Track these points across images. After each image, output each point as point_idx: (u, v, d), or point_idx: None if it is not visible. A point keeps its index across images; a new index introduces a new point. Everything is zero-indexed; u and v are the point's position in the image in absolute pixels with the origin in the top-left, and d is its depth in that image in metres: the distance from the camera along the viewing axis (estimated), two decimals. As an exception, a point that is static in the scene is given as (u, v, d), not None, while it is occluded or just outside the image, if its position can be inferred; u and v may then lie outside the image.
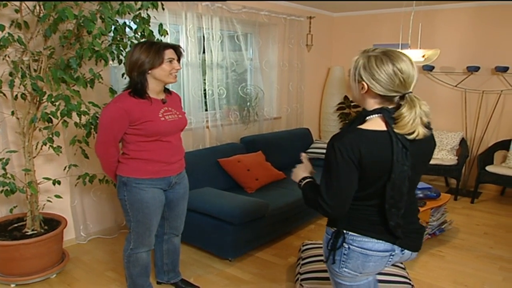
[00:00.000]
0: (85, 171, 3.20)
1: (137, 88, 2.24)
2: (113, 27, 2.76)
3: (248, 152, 4.32)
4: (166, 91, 2.43)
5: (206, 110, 4.51)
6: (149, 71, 2.22)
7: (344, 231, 1.58)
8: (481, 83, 4.95)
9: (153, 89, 2.29)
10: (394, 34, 5.55)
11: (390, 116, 1.46)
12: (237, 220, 3.09)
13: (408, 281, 2.75)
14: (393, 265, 2.85)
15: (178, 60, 2.32)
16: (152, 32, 3.11)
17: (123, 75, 3.16)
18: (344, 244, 1.58)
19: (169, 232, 2.66)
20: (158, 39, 3.11)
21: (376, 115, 1.50)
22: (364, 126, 1.49)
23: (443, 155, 4.99)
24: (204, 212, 3.26)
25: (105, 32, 2.63)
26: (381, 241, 1.56)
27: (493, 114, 4.93)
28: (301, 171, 1.73)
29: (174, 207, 2.57)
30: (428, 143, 1.59)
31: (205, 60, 4.38)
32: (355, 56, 1.54)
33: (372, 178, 1.48)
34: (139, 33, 3.02)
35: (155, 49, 2.19)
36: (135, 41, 2.96)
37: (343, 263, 1.60)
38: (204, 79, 4.43)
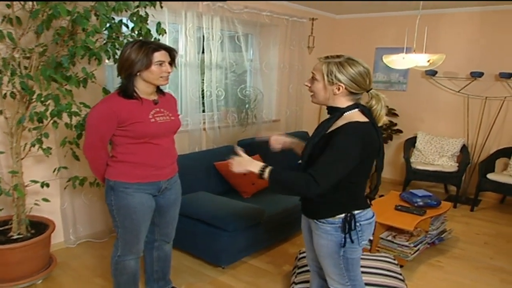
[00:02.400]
0: (75, 173, 3.11)
1: (125, 89, 2.15)
2: (107, 24, 2.67)
3: (249, 155, 4.22)
4: (160, 92, 2.34)
5: (204, 111, 4.42)
6: (138, 73, 2.13)
7: (354, 212, 1.81)
8: (485, 89, 4.86)
9: (143, 90, 2.20)
10: (397, 37, 5.47)
11: (367, 109, 1.81)
12: (231, 227, 3.01)
13: (406, 294, 2.67)
14: (391, 276, 2.77)
15: (172, 62, 2.22)
16: (150, 31, 3.02)
17: (118, 74, 3.07)
18: (356, 223, 1.82)
19: (160, 239, 2.57)
20: (156, 38, 3.02)
21: (355, 110, 1.79)
22: (356, 119, 1.74)
23: (443, 162, 4.90)
24: (197, 218, 3.17)
25: (99, 29, 2.53)
26: (368, 209, 1.89)
27: (495, 121, 4.84)
28: (251, 161, 1.85)
29: (165, 213, 2.47)
30: None
31: (204, 61, 4.29)
32: (320, 63, 1.79)
33: (371, 160, 1.82)
34: (136, 32, 2.93)
35: (144, 51, 2.09)
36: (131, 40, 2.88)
37: (360, 238, 1.85)
38: (203, 80, 4.34)
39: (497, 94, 4.79)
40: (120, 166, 2.23)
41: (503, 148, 4.74)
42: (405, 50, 3.93)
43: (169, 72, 2.20)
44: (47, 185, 2.83)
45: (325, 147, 1.72)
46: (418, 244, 3.39)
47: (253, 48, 5.04)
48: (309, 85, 1.85)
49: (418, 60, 3.43)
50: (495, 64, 4.72)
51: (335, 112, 1.80)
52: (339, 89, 1.75)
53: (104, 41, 2.80)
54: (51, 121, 2.66)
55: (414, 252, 3.32)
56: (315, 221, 1.88)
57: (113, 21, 2.75)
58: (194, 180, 3.66)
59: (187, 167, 3.59)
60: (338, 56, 1.76)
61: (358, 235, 1.83)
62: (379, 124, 1.82)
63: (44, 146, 2.70)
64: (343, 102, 1.79)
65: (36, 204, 2.91)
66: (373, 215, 1.91)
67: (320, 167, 1.68)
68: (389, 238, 3.39)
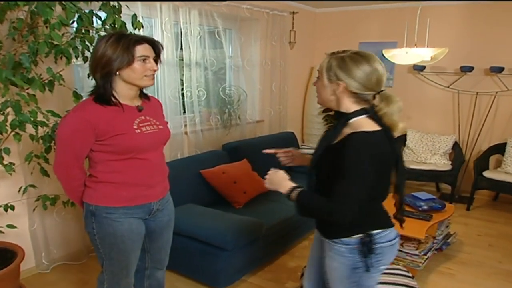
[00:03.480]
0: (45, 191, 2.66)
1: (101, 93, 1.76)
2: (76, 15, 2.24)
3: (232, 160, 3.87)
4: (143, 96, 1.96)
5: (184, 113, 4.03)
6: (117, 72, 1.75)
7: (372, 232, 1.56)
8: (474, 84, 4.71)
9: (124, 94, 1.82)
10: (382, 32, 5.26)
11: (376, 115, 1.53)
12: (229, 245, 2.66)
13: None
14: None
15: (157, 59, 1.85)
16: (125, 24, 2.62)
17: (89, 75, 2.65)
18: (375, 244, 1.56)
19: (151, 266, 2.18)
20: (131, 32, 2.62)
21: (362, 116, 1.52)
22: (363, 128, 1.47)
23: (436, 160, 4.72)
24: (191, 236, 2.80)
25: (66, 21, 2.11)
26: (391, 228, 1.62)
27: (487, 117, 4.70)
28: (283, 179, 1.61)
29: (157, 238, 2.09)
30: None
31: (182, 58, 3.90)
32: (325, 58, 1.55)
33: (388, 174, 1.55)
34: (109, 25, 2.52)
35: (124, 44, 1.71)
36: (102, 34, 2.48)
37: (380, 262, 1.59)
38: (182, 79, 3.95)
39: (488, 89, 4.65)
40: (101, 188, 1.84)
41: (496, 145, 4.60)
42: (405, 44, 3.68)
43: (154, 70, 1.83)
44: (12, 208, 2.38)
45: (333, 160, 1.49)
46: (427, 252, 3.15)
47: (234, 44, 4.68)
48: (315, 84, 1.63)
49: (423, 55, 3.19)
50: (485, 58, 4.57)
51: (341, 119, 1.55)
52: (338, 88, 1.52)
53: (72, 36, 2.37)
54: (12, 133, 2.21)
55: (425, 261, 3.08)
56: (328, 240, 1.64)
57: (82, 11, 2.33)
58: (180, 191, 3.26)
59: (170, 176, 3.21)
60: (344, 51, 1.53)
61: (378, 259, 1.57)
62: (396, 133, 1.56)
63: (5, 162, 2.25)
64: (348, 106, 1.54)
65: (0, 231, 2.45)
66: (397, 236, 1.64)
67: (337, 197, 1.45)
68: (397, 246, 3.13)
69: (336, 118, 1.60)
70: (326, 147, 1.56)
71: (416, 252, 3.05)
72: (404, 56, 3.26)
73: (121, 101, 1.81)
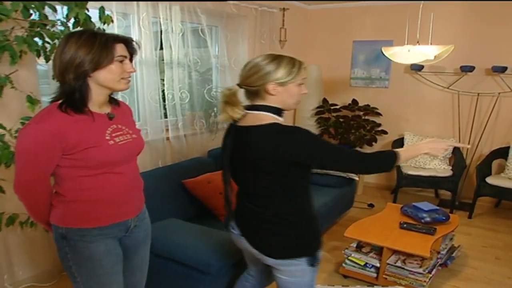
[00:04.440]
0: (1, 209, 2.33)
1: (75, 99, 1.51)
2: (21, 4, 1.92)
3: (218, 168, 3.53)
4: (113, 101, 1.71)
5: (166, 117, 3.71)
6: (92, 74, 1.52)
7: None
8: (475, 85, 4.46)
9: (95, 99, 1.58)
10: (377, 30, 4.99)
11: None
12: (212, 269, 2.34)
13: None
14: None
15: (131, 60, 1.63)
16: (90, 18, 2.32)
17: (53, 76, 2.33)
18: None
19: (127, 290, 1.89)
20: (100, 28, 2.32)
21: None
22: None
23: (436, 165, 4.46)
24: (169, 257, 2.48)
25: (8, 11, 1.79)
26: None
27: (489, 119, 4.45)
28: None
29: (132, 256, 1.83)
30: None
31: (163, 58, 3.58)
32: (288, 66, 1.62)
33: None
34: (72, 20, 2.22)
35: (101, 42, 1.50)
36: (62, 29, 2.17)
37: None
38: (163, 80, 3.63)
39: (490, 90, 4.40)
40: (71, 208, 1.60)
41: (498, 149, 4.35)
42: (406, 42, 3.39)
43: (131, 72, 1.62)
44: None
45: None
46: (432, 269, 2.88)
47: (220, 43, 4.38)
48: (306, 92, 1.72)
49: (427, 53, 2.90)
50: (487, 58, 4.31)
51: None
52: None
53: (27, 32, 2.05)
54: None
55: (429, 279, 2.80)
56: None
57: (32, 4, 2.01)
58: (160, 203, 2.97)
59: (150, 187, 2.86)
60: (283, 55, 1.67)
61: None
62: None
63: None
64: None
65: None
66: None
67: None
68: (398, 263, 2.86)
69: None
70: None
71: (420, 270, 2.78)
72: (406, 54, 2.98)
73: (91, 108, 1.57)
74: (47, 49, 2.19)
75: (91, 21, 2.32)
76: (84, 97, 1.54)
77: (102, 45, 1.50)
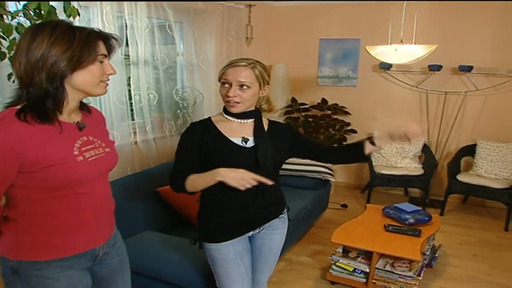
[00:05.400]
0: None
1: (45, 105, 1.26)
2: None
3: (191, 173, 3.33)
4: (83, 107, 1.46)
5: (133, 119, 3.43)
6: (70, 75, 1.28)
7: None
8: (443, 83, 4.52)
9: (67, 105, 1.33)
10: (343, 28, 4.95)
11: None
12: (200, 286, 2.14)
13: None
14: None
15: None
16: (54, 9, 2.04)
17: (9, 76, 2.02)
18: None
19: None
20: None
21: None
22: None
23: (407, 164, 4.48)
24: (150, 275, 2.25)
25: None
26: None
27: (456, 118, 4.53)
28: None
29: (108, 286, 1.57)
30: None
31: (128, 56, 3.30)
32: (241, 70, 1.73)
33: None
34: (32, 11, 1.94)
35: (81, 38, 1.27)
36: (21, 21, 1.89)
37: None
38: (129, 80, 3.35)
39: (457, 89, 4.48)
40: (25, 236, 1.33)
41: (465, 146, 4.43)
42: (389, 40, 3.33)
43: (111, 74, 1.39)
44: None
45: (279, 140, 1.84)
46: (420, 271, 2.84)
47: (185, 40, 4.13)
48: (235, 94, 1.71)
49: (415, 53, 2.84)
50: (453, 57, 4.37)
51: (255, 114, 1.82)
52: (266, 91, 1.81)
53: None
54: None
55: (419, 282, 2.75)
56: (278, 218, 1.92)
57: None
58: (134, 215, 2.72)
59: (121, 198, 2.63)
60: (248, 59, 1.78)
61: None
62: None
63: None
64: (255, 103, 1.82)
65: None
66: None
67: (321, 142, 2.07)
68: (388, 267, 2.78)
69: (244, 117, 1.78)
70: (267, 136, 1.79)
71: (410, 274, 2.72)
72: (393, 54, 2.91)
73: (58, 116, 1.31)
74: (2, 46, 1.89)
75: (55, 14, 2.04)
76: (59, 104, 1.29)
77: (83, 41, 1.26)
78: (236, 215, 1.80)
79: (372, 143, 1.83)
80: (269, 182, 1.62)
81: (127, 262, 1.66)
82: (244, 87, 1.71)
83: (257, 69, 1.74)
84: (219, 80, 1.78)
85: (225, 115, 1.80)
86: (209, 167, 1.67)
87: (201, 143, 1.76)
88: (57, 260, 1.35)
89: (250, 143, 1.77)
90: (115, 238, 1.59)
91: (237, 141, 1.77)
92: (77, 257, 1.39)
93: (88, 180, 1.36)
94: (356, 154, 1.88)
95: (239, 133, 1.78)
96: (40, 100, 1.25)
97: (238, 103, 1.72)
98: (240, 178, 1.58)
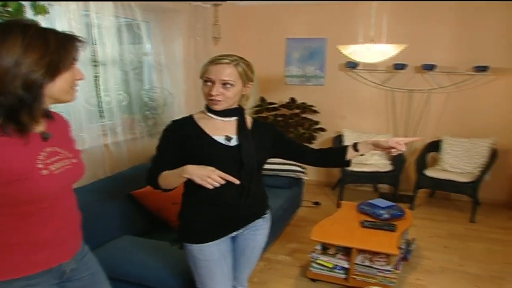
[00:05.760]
0: None
1: (17, 116, 1.17)
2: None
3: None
4: (47, 114, 1.35)
5: (102, 121, 3.29)
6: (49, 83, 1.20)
7: None
8: (408, 82, 4.66)
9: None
10: (310, 28, 5.00)
11: None
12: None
13: None
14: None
15: None
16: (22, 7, 1.93)
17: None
18: None
19: None
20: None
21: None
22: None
23: (376, 160, 4.58)
24: (132, 281, 2.16)
25: None
26: None
27: (421, 115, 4.67)
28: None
29: None
30: None
31: (96, 55, 3.17)
32: (226, 68, 1.67)
33: None
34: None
35: (57, 41, 1.20)
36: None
37: None
38: (97, 80, 3.21)
39: (421, 87, 4.63)
40: None
41: (431, 142, 4.58)
42: (366, 40, 3.37)
43: (81, 80, 1.34)
44: None
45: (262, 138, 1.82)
46: (398, 265, 2.89)
47: (153, 39, 4.03)
48: (218, 93, 1.67)
49: (388, 52, 2.90)
50: (417, 56, 4.51)
51: (238, 111, 1.78)
52: (249, 88, 1.77)
53: None
54: None
55: (397, 275, 2.81)
56: (262, 217, 1.91)
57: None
58: (108, 221, 2.61)
59: (94, 203, 2.56)
60: (231, 55, 1.72)
61: None
62: None
63: None
64: (239, 101, 1.78)
65: None
66: None
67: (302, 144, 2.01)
68: (367, 263, 2.82)
69: (226, 115, 1.74)
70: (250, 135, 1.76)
71: (389, 268, 2.77)
72: (366, 53, 2.95)
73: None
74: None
75: (23, 13, 1.93)
76: (35, 114, 1.20)
77: (58, 45, 1.19)
78: (220, 214, 1.75)
79: (356, 149, 1.83)
80: (236, 181, 1.55)
81: (102, 273, 1.56)
82: (227, 85, 1.67)
83: (241, 66, 1.69)
84: (201, 78, 1.72)
85: (208, 113, 1.76)
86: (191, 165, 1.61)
87: (183, 141, 1.71)
88: (19, 280, 1.25)
89: (234, 142, 1.74)
90: (82, 253, 1.49)
91: (220, 139, 1.73)
92: (41, 274, 1.30)
93: (52, 194, 1.27)
94: (338, 158, 1.88)
95: (222, 131, 1.74)
96: (12, 110, 1.15)
97: (221, 101, 1.68)
98: (206, 176, 1.50)
